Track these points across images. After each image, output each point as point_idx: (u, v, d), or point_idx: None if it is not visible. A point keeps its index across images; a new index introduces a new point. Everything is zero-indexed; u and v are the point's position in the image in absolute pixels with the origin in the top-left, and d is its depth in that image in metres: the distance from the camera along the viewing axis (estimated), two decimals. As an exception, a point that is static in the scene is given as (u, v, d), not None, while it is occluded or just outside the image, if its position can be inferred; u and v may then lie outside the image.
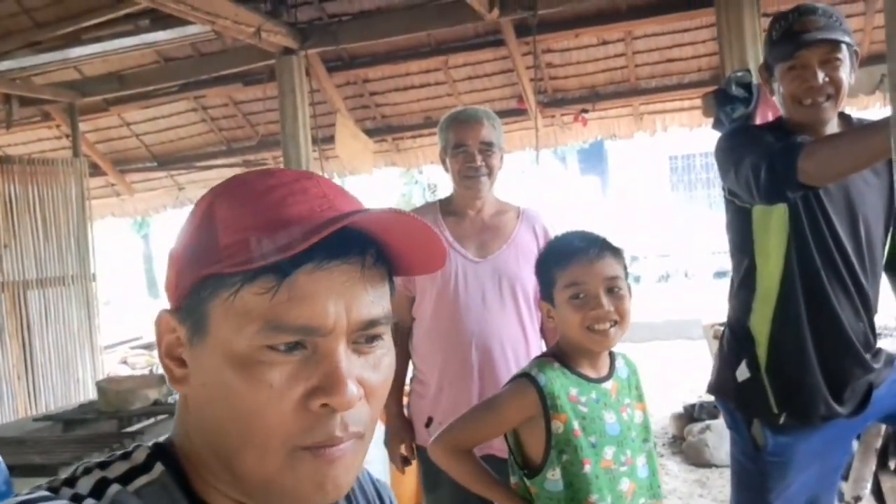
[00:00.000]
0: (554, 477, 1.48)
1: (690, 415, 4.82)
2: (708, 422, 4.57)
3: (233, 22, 4.18)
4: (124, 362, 8.19)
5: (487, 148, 2.17)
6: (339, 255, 0.58)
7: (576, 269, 1.51)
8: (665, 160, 16.39)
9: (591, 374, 1.54)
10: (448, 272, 2.16)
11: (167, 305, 0.63)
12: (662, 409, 5.24)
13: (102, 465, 0.61)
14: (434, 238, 0.62)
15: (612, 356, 1.60)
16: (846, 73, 1.71)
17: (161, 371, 0.68)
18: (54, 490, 0.57)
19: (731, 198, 1.84)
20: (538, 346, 2.19)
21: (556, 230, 2.19)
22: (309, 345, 0.57)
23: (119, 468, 0.60)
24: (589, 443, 1.48)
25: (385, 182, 14.81)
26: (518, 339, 2.16)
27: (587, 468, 1.46)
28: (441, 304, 2.17)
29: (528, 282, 2.12)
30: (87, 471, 0.60)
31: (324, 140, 5.56)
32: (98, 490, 0.58)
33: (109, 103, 5.99)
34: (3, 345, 5.03)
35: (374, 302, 0.60)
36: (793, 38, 1.70)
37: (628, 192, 17.40)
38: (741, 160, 1.68)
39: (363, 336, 0.60)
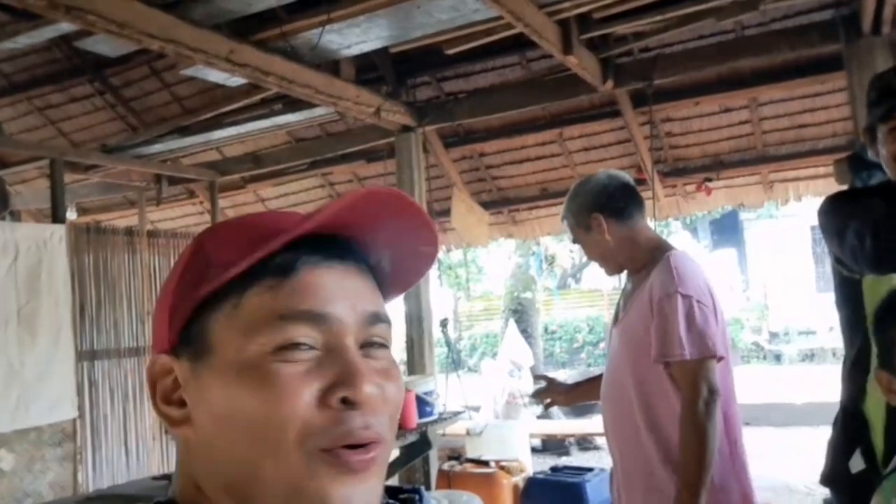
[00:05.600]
0: None
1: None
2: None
3: (354, 103, 4.43)
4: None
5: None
6: (338, 256, 0.58)
7: None
8: (807, 231, 15.38)
9: None
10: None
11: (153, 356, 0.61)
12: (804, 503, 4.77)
13: None
14: (411, 209, 0.59)
15: None
16: None
17: None
18: None
19: (839, 267, 1.69)
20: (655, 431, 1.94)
21: (677, 281, 1.85)
22: (321, 346, 0.56)
23: None
24: None
25: (501, 253, 14.87)
26: (630, 421, 1.97)
27: None
28: None
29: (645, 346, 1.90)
30: None
31: (440, 213, 5.69)
32: None
33: (246, 181, 6.47)
34: (143, 407, 5.36)
35: (377, 300, 0.60)
36: (891, 96, 1.58)
37: (767, 265, 16.44)
38: (846, 226, 1.55)
39: (370, 337, 0.59)
